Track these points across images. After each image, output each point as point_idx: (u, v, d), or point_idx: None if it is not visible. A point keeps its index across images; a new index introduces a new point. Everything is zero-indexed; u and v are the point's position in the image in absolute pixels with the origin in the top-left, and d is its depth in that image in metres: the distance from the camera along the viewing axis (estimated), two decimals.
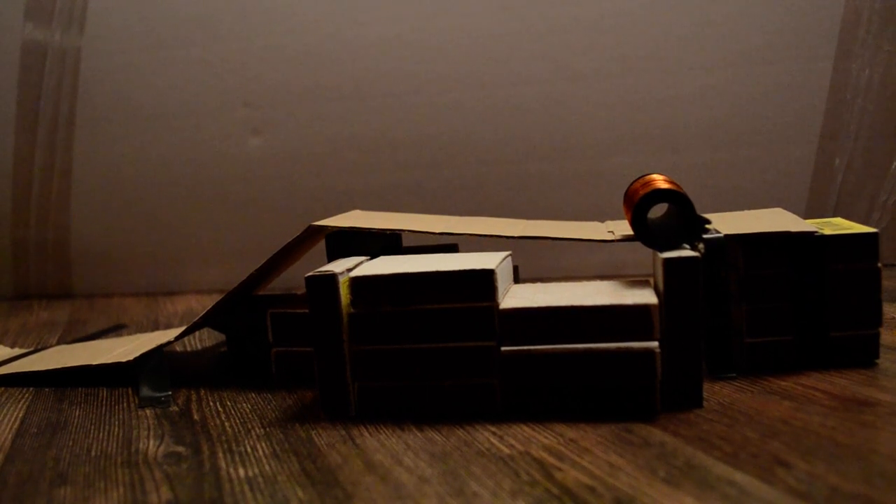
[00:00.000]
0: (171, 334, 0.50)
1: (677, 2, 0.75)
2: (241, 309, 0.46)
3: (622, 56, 0.76)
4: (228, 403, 0.40)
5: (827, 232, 0.39)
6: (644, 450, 0.30)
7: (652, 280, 0.38)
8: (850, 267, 0.39)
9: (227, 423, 0.37)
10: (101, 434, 0.36)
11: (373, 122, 0.81)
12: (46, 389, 0.45)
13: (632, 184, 0.40)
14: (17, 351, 0.56)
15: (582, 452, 0.30)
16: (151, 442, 0.35)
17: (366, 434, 0.34)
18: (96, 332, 0.64)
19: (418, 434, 0.33)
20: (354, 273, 0.36)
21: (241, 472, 0.30)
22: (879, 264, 0.39)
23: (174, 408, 0.40)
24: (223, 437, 0.35)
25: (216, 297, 0.78)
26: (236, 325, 0.47)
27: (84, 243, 0.89)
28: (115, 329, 0.65)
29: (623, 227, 0.43)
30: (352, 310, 0.36)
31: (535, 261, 0.77)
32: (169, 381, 0.45)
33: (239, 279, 0.44)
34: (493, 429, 0.33)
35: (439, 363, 0.35)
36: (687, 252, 0.35)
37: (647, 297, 0.34)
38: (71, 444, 0.35)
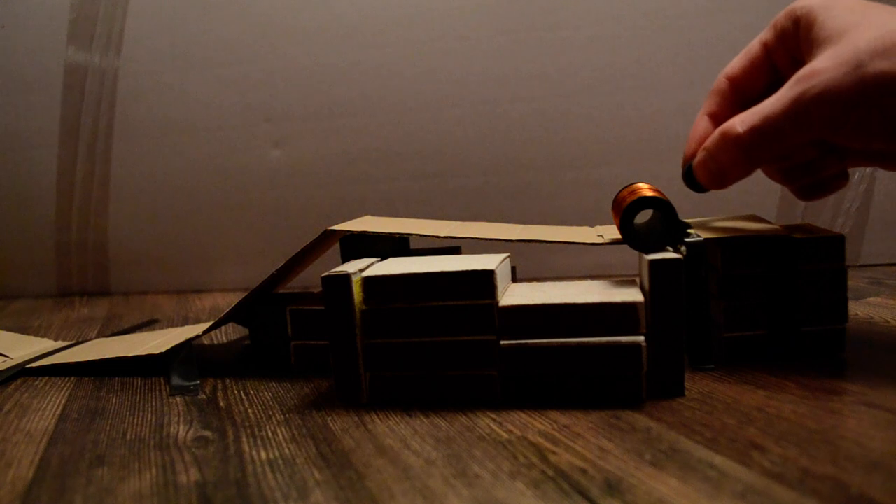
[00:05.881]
0: (199, 328, 0.50)
1: (660, 26, 0.75)
2: (262, 305, 0.46)
3: (610, 75, 0.76)
4: (251, 392, 0.40)
5: (798, 236, 0.39)
6: (631, 435, 0.30)
7: (638, 280, 0.38)
8: (818, 267, 0.38)
9: (250, 410, 0.37)
10: (135, 419, 0.36)
11: (383, 136, 0.81)
12: (86, 379, 0.45)
13: (619, 191, 0.40)
14: (59, 343, 0.56)
15: (574, 437, 0.30)
16: (181, 427, 0.35)
17: (377, 420, 0.34)
18: (131, 326, 0.64)
19: (424, 420, 0.33)
20: (367, 273, 0.36)
21: (263, 454, 0.30)
22: (845, 265, 0.39)
23: (202, 396, 0.40)
24: (246, 423, 0.35)
25: (240, 295, 0.78)
26: (258, 320, 0.47)
27: (121, 245, 0.89)
28: (149, 324, 0.65)
29: (611, 232, 0.43)
30: (364, 306, 0.35)
31: (531, 262, 0.77)
32: (197, 371, 0.45)
33: (261, 278, 0.44)
34: (493, 415, 0.33)
35: (444, 355, 0.35)
36: (670, 254, 0.34)
37: (633, 295, 0.34)
38: (108, 428, 0.35)
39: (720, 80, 0.41)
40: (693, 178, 0.39)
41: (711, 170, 0.38)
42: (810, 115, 0.33)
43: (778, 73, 0.40)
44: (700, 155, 0.38)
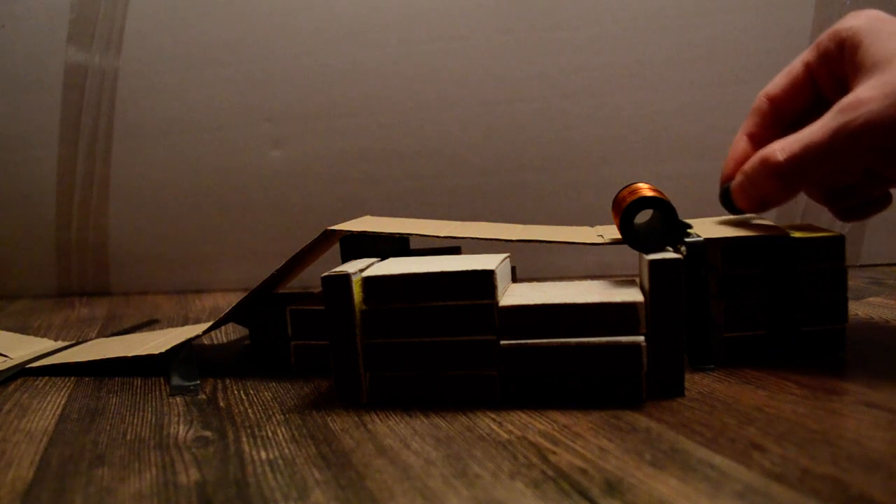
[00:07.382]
0: (199, 328, 0.50)
1: (660, 27, 0.75)
2: (262, 305, 0.46)
3: (610, 76, 0.76)
4: (251, 392, 0.40)
5: (798, 236, 0.39)
6: (631, 435, 0.30)
7: (638, 279, 0.38)
8: (819, 267, 0.38)
9: (250, 410, 0.37)
10: (135, 419, 0.36)
11: (382, 136, 0.81)
12: (86, 379, 0.45)
13: (619, 191, 0.40)
14: (59, 344, 0.56)
15: (574, 437, 0.30)
16: (181, 427, 0.35)
17: (377, 420, 0.34)
18: (131, 326, 0.64)
19: (424, 420, 0.33)
20: (367, 273, 0.36)
21: (263, 454, 0.30)
22: (845, 265, 0.39)
23: (202, 396, 0.40)
24: (246, 423, 0.35)
25: (240, 295, 0.78)
26: (258, 320, 0.47)
27: (121, 245, 0.89)
28: (149, 324, 0.65)
29: (611, 232, 0.43)
30: (364, 306, 0.35)
31: (531, 262, 0.77)
32: (197, 371, 0.45)
33: (261, 278, 0.44)
34: (493, 415, 0.33)
35: (444, 355, 0.35)
36: (670, 254, 0.34)
37: (633, 295, 0.34)
38: (108, 428, 0.35)
39: (760, 99, 0.40)
40: (730, 200, 0.39)
41: (750, 195, 0.37)
42: (853, 145, 0.33)
43: (820, 94, 0.39)
44: (738, 178, 0.38)
